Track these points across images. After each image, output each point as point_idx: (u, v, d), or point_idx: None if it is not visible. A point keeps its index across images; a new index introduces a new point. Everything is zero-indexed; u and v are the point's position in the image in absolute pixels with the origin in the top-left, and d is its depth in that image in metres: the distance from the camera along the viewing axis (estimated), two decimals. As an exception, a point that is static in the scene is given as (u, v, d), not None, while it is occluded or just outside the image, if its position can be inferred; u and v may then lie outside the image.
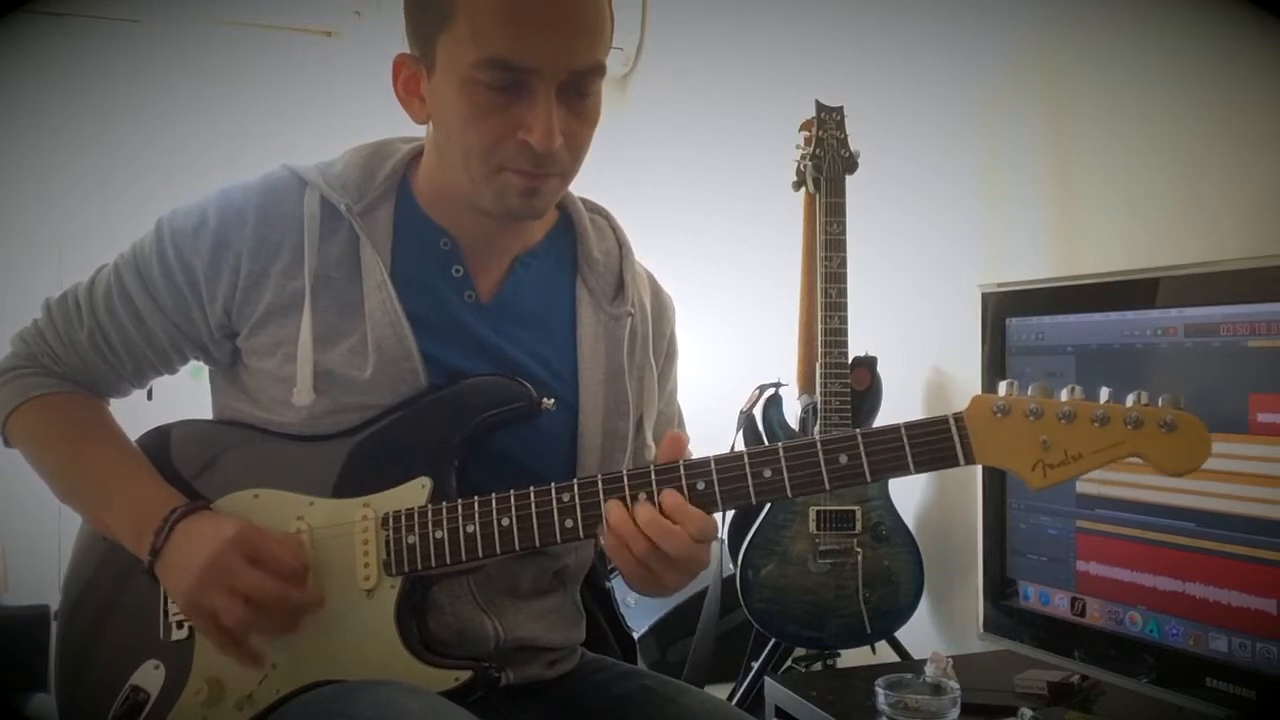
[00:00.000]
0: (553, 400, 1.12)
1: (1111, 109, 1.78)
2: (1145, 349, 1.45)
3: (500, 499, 1.07)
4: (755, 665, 2.09)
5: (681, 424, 1.37)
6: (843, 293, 1.99)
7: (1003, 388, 0.99)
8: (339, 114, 3.33)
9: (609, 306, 1.21)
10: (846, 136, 2.06)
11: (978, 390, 1.68)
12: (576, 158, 1.10)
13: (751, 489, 1.02)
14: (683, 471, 1.03)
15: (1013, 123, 2.00)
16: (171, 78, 3.35)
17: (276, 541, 1.07)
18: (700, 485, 1.02)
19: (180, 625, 1.13)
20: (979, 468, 1.72)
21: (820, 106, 2.08)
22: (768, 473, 1.01)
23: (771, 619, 2.00)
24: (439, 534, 1.07)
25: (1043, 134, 1.94)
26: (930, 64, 2.21)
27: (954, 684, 1.50)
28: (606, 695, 1.21)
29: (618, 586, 1.37)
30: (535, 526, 1.05)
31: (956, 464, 0.98)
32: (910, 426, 0.99)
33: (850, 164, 2.05)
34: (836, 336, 1.99)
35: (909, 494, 2.13)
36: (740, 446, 2.16)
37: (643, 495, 1.03)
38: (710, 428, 2.14)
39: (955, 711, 1.47)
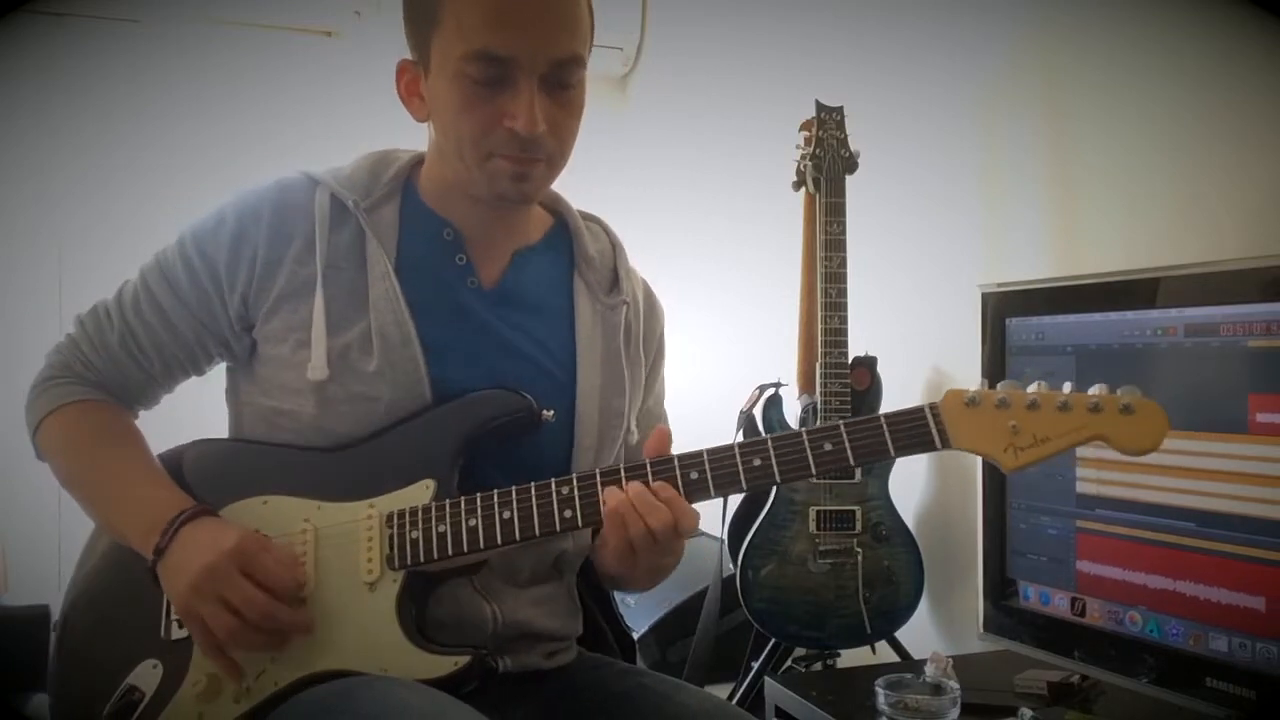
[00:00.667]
0: (552, 411, 1.18)
1: (1111, 109, 1.78)
2: (1145, 349, 1.45)
3: (501, 494, 1.10)
4: (755, 665, 2.09)
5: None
6: (843, 293, 1.99)
7: (973, 386, 1.09)
8: (339, 114, 3.33)
9: (605, 298, 1.28)
10: (846, 136, 2.07)
11: (978, 390, 1.70)
12: (563, 145, 1.17)
13: (742, 475, 1.08)
14: (676, 463, 1.08)
15: (1013, 123, 2.00)
16: (171, 78, 3.35)
17: (275, 559, 1.10)
18: (694, 475, 1.08)
19: (181, 624, 1.14)
20: (979, 469, 1.73)
21: (820, 106, 2.08)
22: (757, 461, 1.08)
23: (771, 619, 2.00)
24: (441, 528, 1.10)
25: (1043, 134, 1.94)
26: (930, 64, 2.21)
27: (954, 684, 1.50)
28: (604, 692, 1.22)
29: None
30: (536, 517, 1.09)
31: (934, 448, 1.06)
32: (890, 415, 1.07)
33: (850, 164, 2.05)
34: (836, 336, 1.99)
35: (909, 494, 2.14)
36: (740, 446, 2.16)
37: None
38: (710, 428, 2.13)
39: (955, 711, 1.47)
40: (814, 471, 1.07)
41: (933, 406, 1.06)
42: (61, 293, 3.14)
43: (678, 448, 1.38)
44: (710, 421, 2.20)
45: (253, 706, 1.09)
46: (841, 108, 2.09)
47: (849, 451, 1.06)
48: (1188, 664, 1.39)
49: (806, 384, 2.15)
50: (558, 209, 1.32)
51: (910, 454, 1.08)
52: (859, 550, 1.97)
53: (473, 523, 1.10)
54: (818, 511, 1.98)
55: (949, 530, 2.10)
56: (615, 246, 1.33)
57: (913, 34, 2.27)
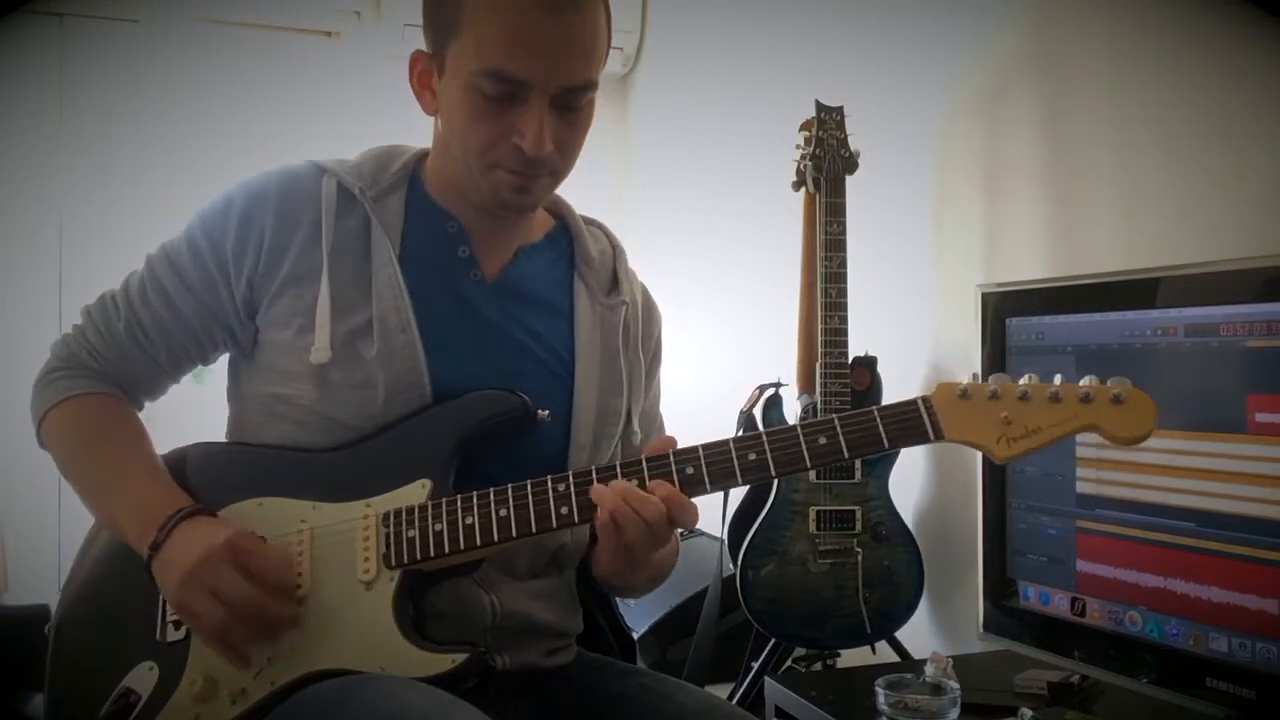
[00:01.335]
0: (547, 411, 1.18)
1: (1111, 109, 1.78)
2: (1145, 349, 1.45)
3: (498, 492, 1.10)
4: (755, 665, 2.09)
5: (661, 430, 1.41)
6: (843, 293, 1.99)
7: (965, 379, 1.10)
8: (339, 114, 3.33)
9: (605, 299, 1.29)
10: (846, 136, 2.06)
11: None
12: (568, 159, 1.18)
13: (738, 469, 1.08)
14: (672, 458, 1.09)
15: (1013, 123, 2.00)
16: (171, 78, 3.35)
17: (267, 555, 1.10)
18: (689, 470, 1.08)
19: (177, 626, 1.14)
20: (979, 468, 1.73)
21: (820, 106, 2.08)
22: (752, 456, 1.08)
23: (771, 619, 2.00)
24: (438, 527, 1.10)
25: (1042, 134, 1.94)
26: (930, 64, 2.21)
27: (954, 684, 1.50)
28: (604, 692, 1.23)
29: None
30: (532, 515, 1.09)
31: (928, 440, 1.06)
32: (883, 409, 1.08)
33: (850, 164, 2.05)
34: (836, 336, 1.99)
35: (909, 494, 2.14)
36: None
37: (635, 480, 1.08)
38: (710, 428, 2.13)
39: (955, 711, 1.47)
40: (809, 464, 1.07)
41: (925, 399, 1.07)
42: (61, 292, 3.14)
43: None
44: (710, 421, 2.20)
45: (250, 707, 1.09)
46: (841, 108, 2.09)
47: (843, 444, 1.07)
48: (1188, 664, 1.39)
49: (806, 384, 2.15)
50: (559, 211, 1.33)
51: (904, 445, 1.09)
52: (859, 550, 1.97)
53: (469, 520, 1.10)
54: (817, 511, 1.98)
55: (949, 530, 2.10)
56: (616, 249, 1.34)
57: (913, 34, 2.27)
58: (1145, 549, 1.46)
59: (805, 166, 2.09)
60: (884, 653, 2.06)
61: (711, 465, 1.08)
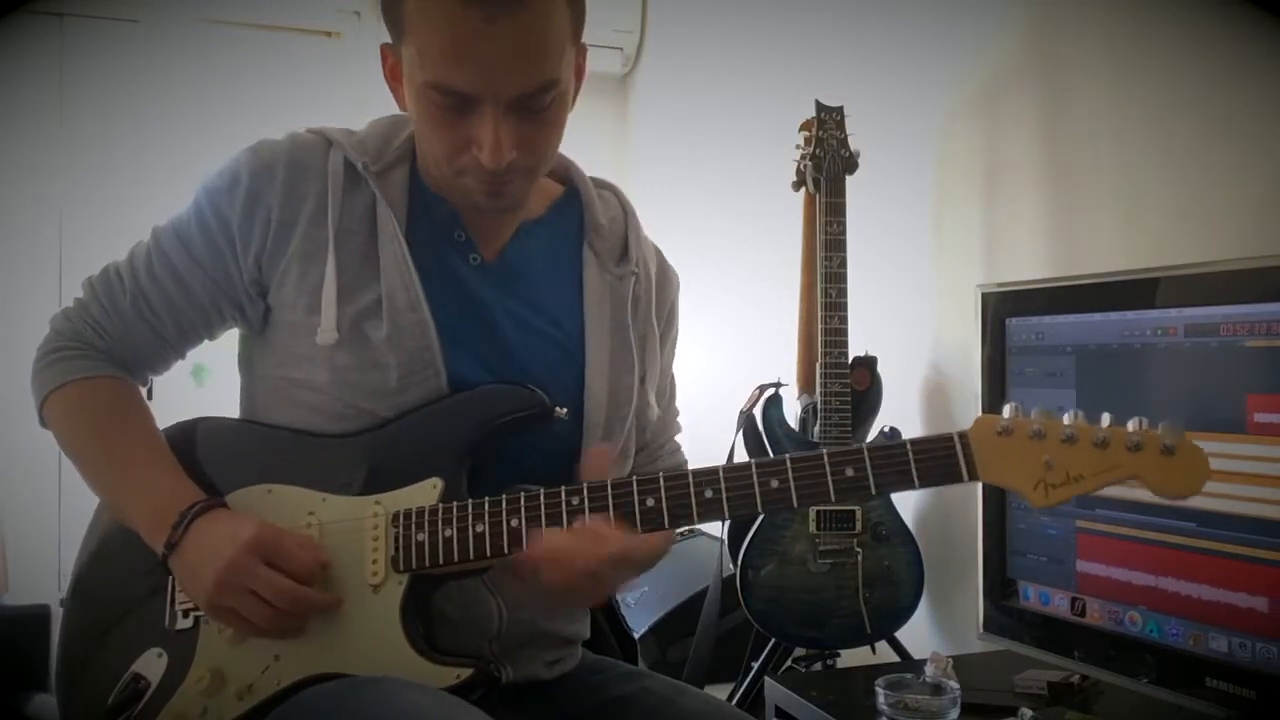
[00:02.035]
0: (565, 410, 1.15)
1: (1111, 109, 1.78)
2: (1144, 349, 1.45)
3: (510, 501, 1.08)
4: (755, 665, 2.09)
5: (674, 396, 1.38)
6: (843, 293, 1.99)
7: (1007, 410, 1.02)
8: (339, 114, 3.29)
9: (614, 267, 1.25)
10: (846, 136, 2.07)
11: (978, 391, 1.70)
12: (541, 157, 1.13)
13: (759, 498, 1.04)
14: (691, 480, 1.06)
15: (1013, 123, 2.00)
16: (171, 78, 3.35)
17: (294, 543, 1.08)
18: (708, 494, 1.05)
19: (186, 614, 1.13)
20: (979, 468, 1.73)
21: (820, 106, 2.08)
22: (774, 483, 1.04)
23: (771, 619, 2.00)
24: (448, 532, 1.08)
25: (1042, 134, 1.94)
26: (930, 64, 2.21)
27: (954, 684, 1.50)
28: (607, 696, 1.22)
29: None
30: (544, 527, 1.07)
31: (960, 480, 1.01)
32: (916, 443, 1.02)
33: (850, 164, 2.05)
34: (836, 336, 1.99)
35: (909, 494, 2.14)
36: (740, 446, 2.17)
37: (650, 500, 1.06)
38: (710, 428, 2.14)
39: (955, 711, 1.47)
40: (833, 499, 1.03)
41: (962, 435, 1.01)
42: (62, 292, 3.14)
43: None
44: (710, 421, 2.20)
45: (256, 704, 1.08)
46: (841, 108, 2.09)
47: (871, 481, 1.02)
48: (1187, 664, 1.39)
49: (806, 384, 2.15)
50: (569, 176, 1.28)
51: (934, 485, 1.03)
52: (859, 550, 1.97)
53: (480, 529, 1.08)
54: (818, 511, 1.97)
55: (949, 530, 2.10)
56: (627, 213, 1.29)
57: (913, 34, 2.27)
58: (1145, 549, 1.46)
59: (805, 166, 2.09)
60: (884, 653, 2.06)
61: (732, 490, 1.05)
